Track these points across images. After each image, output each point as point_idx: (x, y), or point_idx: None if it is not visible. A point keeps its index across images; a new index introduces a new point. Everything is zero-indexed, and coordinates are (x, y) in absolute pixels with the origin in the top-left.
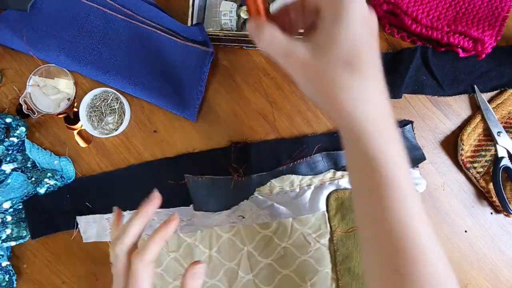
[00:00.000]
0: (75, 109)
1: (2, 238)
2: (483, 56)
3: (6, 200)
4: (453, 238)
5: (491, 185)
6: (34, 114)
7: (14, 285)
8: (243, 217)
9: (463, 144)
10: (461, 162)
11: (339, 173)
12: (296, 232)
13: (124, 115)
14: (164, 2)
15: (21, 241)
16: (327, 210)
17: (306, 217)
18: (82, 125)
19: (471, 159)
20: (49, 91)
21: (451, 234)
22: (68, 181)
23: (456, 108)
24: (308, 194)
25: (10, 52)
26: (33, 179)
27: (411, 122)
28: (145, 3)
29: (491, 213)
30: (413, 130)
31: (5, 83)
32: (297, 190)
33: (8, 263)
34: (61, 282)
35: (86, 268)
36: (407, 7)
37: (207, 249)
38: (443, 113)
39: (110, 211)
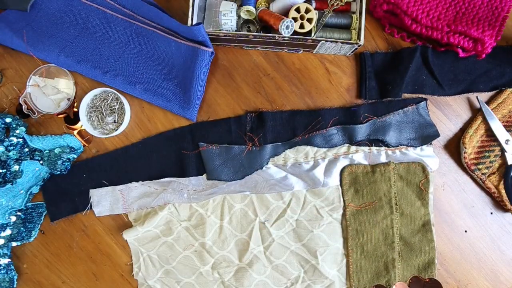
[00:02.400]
0: (75, 109)
1: (7, 237)
2: (483, 56)
3: (25, 189)
4: (453, 238)
5: (501, 185)
6: (34, 114)
7: (15, 285)
8: (256, 187)
9: (465, 148)
10: (465, 165)
11: (353, 148)
12: (309, 204)
13: (124, 115)
14: (164, 2)
15: (25, 241)
16: (341, 185)
17: (320, 190)
18: (82, 125)
19: (475, 161)
20: (49, 91)
21: (451, 234)
22: (78, 151)
23: (456, 108)
24: (322, 167)
25: (10, 52)
26: (45, 162)
27: (426, 100)
28: (145, 3)
29: (491, 213)
30: (427, 108)
31: (5, 83)
32: (311, 162)
33: (11, 261)
34: (61, 282)
35: (86, 268)
36: (407, 7)
37: (218, 219)
38: (443, 113)
39: (124, 184)
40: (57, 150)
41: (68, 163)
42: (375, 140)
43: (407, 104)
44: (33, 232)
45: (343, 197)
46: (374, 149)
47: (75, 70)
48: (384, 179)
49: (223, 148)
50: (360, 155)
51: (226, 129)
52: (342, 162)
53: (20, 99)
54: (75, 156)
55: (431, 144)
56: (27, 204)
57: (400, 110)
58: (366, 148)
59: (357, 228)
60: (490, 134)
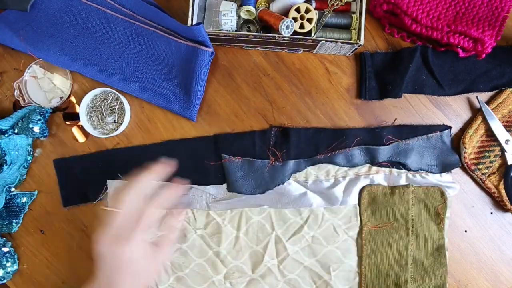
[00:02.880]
0: (77, 107)
1: None
2: (483, 56)
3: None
4: (453, 238)
5: (501, 185)
6: (24, 101)
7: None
8: (275, 201)
9: (465, 147)
10: (465, 165)
11: (374, 168)
12: (327, 222)
13: (124, 115)
14: (164, 2)
15: (8, 231)
16: (359, 204)
17: (338, 208)
18: (80, 122)
19: (475, 161)
20: (45, 84)
21: (451, 234)
22: (47, 108)
23: (456, 108)
24: (342, 185)
25: (10, 52)
26: (20, 130)
27: (450, 128)
28: (145, 3)
29: (491, 213)
30: (451, 135)
31: (5, 83)
32: (332, 180)
33: (8, 250)
34: (61, 282)
35: (86, 268)
36: (407, 7)
37: (235, 229)
38: (443, 113)
39: None
40: (26, 116)
41: (42, 123)
42: (396, 163)
43: (431, 130)
44: (16, 222)
45: (360, 216)
46: (395, 171)
47: (75, 70)
48: (403, 201)
49: (246, 161)
50: (381, 176)
51: (250, 142)
52: (362, 182)
53: (14, 84)
54: (47, 113)
55: (450, 172)
56: (9, 194)
57: (424, 135)
58: (387, 170)
59: (372, 248)
60: (490, 134)
